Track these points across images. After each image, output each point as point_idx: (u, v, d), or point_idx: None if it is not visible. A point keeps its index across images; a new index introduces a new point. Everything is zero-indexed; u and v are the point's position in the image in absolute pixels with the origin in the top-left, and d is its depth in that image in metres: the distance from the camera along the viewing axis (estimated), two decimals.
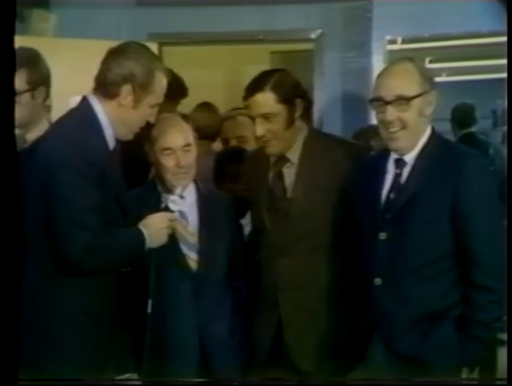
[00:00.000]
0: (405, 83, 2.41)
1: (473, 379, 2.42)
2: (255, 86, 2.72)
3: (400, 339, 2.41)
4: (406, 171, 2.47)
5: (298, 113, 2.74)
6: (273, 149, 2.76)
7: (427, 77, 2.45)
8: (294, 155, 2.78)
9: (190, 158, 2.74)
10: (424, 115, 2.43)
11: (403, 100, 2.38)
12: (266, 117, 2.70)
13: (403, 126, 2.41)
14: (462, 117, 5.19)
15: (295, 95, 2.72)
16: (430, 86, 2.43)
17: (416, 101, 2.39)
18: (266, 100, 2.69)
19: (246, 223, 3.09)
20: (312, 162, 2.76)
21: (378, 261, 2.45)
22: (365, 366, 2.49)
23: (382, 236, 2.45)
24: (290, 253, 2.75)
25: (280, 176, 2.80)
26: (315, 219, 2.73)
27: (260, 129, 2.71)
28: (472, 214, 2.36)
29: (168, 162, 2.73)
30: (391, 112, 2.40)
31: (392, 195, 2.47)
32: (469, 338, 2.36)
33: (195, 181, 2.85)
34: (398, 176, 2.47)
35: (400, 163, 2.48)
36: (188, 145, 2.74)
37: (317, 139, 2.82)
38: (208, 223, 2.80)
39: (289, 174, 2.79)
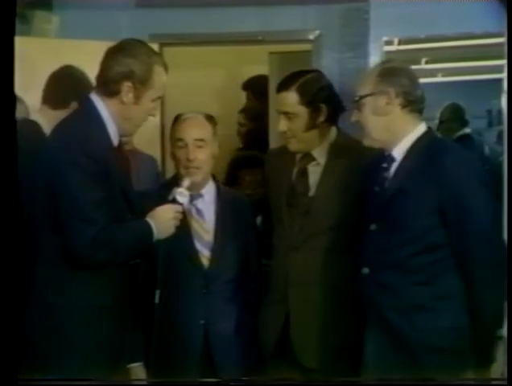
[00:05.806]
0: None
1: (473, 379, 2.46)
2: (283, 83, 2.80)
3: (392, 326, 2.49)
4: (394, 166, 2.56)
5: (321, 118, 2.78)
6: (293, 146, 2.83)
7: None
8: (320, 155, 2.83)
9: (202, 154, 2.80)
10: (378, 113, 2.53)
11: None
12: (287, 115, 2.76)
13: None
14: (458, 117, 5.23)
15: (319, 100, 2.76)
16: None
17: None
18: (290, 99, 2.76)
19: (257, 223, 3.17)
20: (339, 165, 2.81)
21: (367, 251, 2.53)
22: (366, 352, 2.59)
23: (373, 227, 2.53)
24: (303, 249, 2.80)
25: (304, 173, 2.86)
26: (333, 218, 2.78)
27: (282, 125, 2.79)
28: (457, 207, 2.43)
29: (180, 154, 2.80)
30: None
31: (381, 188, 2.56)
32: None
33: (215, 181, 2.91)
34: (385, 170, 2.58)
35: (389, 158, 2.57)
36: (201, 140, 2.80)
37: (346, 143, 2.86)
38: (224, 223, 2.85)
39: (314, 172, 2.84)
